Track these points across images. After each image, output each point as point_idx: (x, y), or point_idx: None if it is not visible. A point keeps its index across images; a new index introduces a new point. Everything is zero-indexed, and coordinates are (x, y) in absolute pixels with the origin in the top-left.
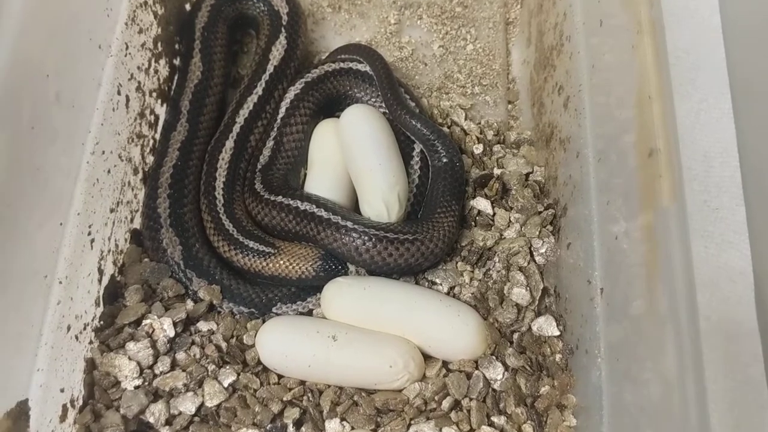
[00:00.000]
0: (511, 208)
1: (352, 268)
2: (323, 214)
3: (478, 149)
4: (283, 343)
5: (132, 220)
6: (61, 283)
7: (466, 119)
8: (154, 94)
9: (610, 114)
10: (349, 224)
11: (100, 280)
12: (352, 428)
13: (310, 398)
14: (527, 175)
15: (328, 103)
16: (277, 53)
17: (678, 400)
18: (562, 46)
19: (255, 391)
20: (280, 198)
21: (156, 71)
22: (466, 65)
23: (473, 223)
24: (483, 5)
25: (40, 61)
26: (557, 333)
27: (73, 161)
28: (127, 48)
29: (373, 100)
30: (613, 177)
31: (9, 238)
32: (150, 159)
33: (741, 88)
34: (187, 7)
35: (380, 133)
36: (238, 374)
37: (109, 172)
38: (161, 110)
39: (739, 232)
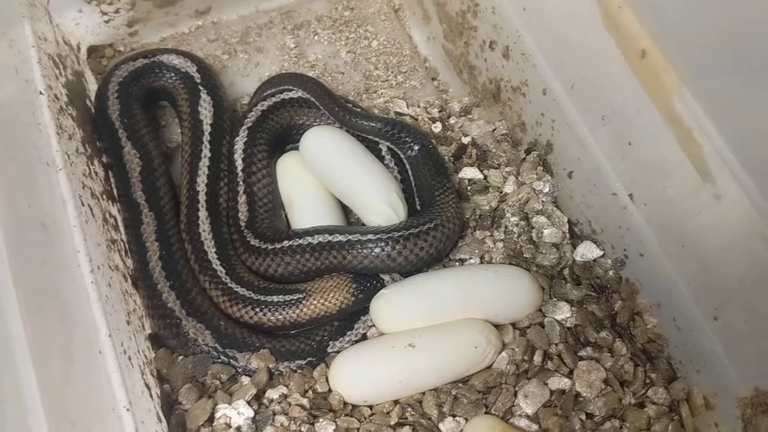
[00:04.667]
0: (499, 165)
1: (386, 277)
2: (341, 238)
3: (437, 128)
4: (364, 374)
5: (143, 327)
6: (128, 410)
7: (408, 107)
8: (104, 196)
9: (568, 41)
10: (371, 236)
11: (151, 396)
12: (467, 419)
13: (413, 412)
14: (493, 132)
15: (277, 141)
16: (206, 111)
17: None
18: (477, 5)
19: (358, 430)
20: (286, 243)
21: (96, 173)
22: (380, 60)
23: (469, 193)
24: (367, 2)
25: (18, 191)
26: (601, 253)
27: (80, 285)
28: (68, 158)
29: (318, 120)
30: (595, 93)
31: (68, 379)
32: (129, 262)
33: None
34: (88, 102)
35: (349, 145)
36: (335, 422)
37: (109, 285)
38: (115, 211)
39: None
